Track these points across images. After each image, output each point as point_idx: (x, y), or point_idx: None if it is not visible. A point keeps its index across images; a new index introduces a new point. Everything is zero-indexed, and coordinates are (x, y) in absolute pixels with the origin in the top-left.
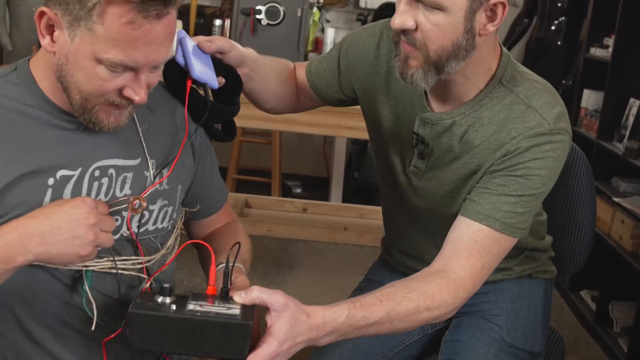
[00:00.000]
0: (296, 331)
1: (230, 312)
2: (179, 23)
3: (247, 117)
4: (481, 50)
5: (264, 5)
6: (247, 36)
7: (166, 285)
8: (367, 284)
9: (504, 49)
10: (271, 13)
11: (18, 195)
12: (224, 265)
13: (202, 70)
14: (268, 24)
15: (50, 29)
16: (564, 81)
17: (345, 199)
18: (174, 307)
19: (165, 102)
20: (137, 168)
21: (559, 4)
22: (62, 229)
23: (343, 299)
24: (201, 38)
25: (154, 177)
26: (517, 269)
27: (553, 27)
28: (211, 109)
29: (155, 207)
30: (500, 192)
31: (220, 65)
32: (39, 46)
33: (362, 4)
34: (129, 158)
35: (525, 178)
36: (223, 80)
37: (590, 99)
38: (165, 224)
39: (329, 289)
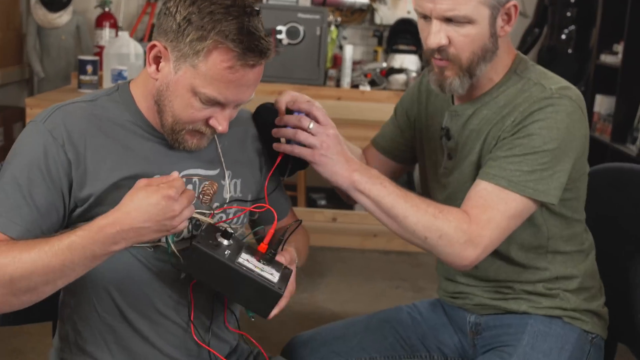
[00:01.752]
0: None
1: (269, 277)
2: None
3: None
4: (500, 49)
5: (285, 25)
6: None
7: (230, 231)
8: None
9: (518, 52)
10: (292, 33)
11: (121, 196)
12: None
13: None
14: (289, 44)
15: (157, 59)
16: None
17: None
18: (228, 252)
19: (239, 124)
20: (216, 177)
21: (569, 14)
22: (152, 223)
23: (373, 305)
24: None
25: (229, 186)
26: (545, 303)
27: (563, 36)
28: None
29: (231, 211)
30: (507, 154)
31: None
32: (80, 73)
33: (377, 21)
34: (209, 169)
35: (527, 138)
36: None
37: (603, 104)
38: (239, 225)
39: (359, 295)
